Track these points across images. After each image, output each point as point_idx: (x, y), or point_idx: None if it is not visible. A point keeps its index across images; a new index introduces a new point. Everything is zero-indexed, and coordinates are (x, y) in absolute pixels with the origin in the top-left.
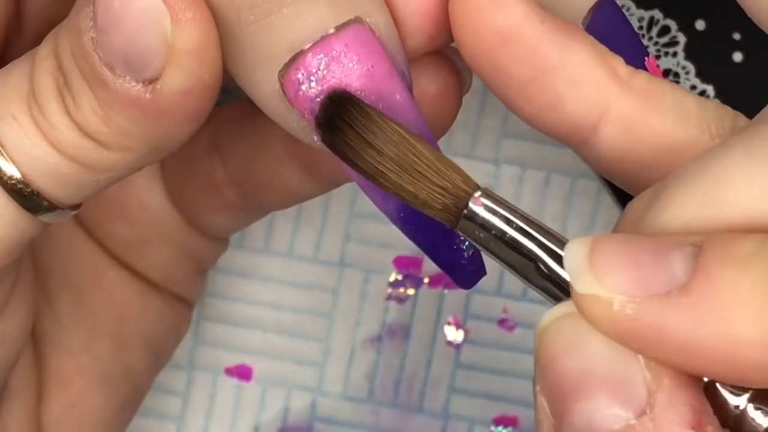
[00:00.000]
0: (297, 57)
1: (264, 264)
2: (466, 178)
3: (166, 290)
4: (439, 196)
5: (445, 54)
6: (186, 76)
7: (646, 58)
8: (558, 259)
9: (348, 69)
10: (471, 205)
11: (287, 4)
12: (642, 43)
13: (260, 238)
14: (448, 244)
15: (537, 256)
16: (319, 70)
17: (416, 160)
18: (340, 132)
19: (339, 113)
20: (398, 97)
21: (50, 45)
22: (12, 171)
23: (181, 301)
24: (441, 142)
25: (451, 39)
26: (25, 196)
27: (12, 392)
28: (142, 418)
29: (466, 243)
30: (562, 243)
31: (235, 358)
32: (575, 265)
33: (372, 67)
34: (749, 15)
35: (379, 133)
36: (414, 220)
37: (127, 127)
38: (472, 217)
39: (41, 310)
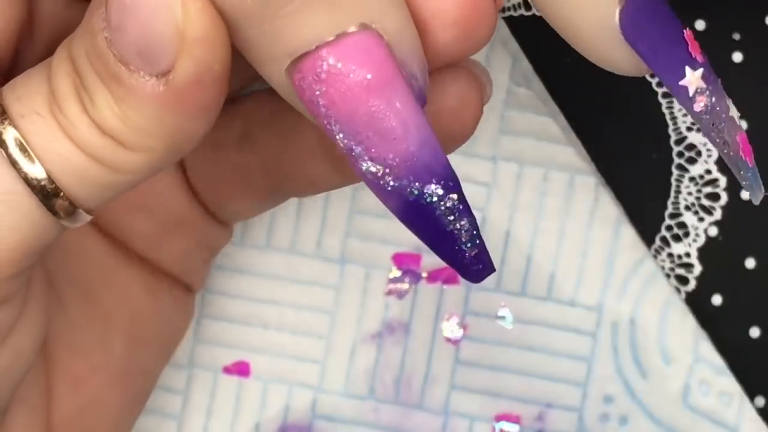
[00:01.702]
0: (296, 62)
1: (265, 260)
2: None
3: (178, 281)
4: None
5: (466, 66)
6: (196, 64)
7: (684, 31)
8: None
9: (344, 77)
10: None
11: (286, 11)
12: (677, 19)
13: (262, 234)
14: (450, 243)
15: None
16: (315, 76)
17: None
18: None
19: None
20: (398, 104)
21: (65, 50)
22: (37, 168)
23: (187, 292)
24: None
25: (484, 42)
26: (48, 194)
27: (17, 397)
28: (142, 416)
29: (468, 245)
30: None
31: (236, 355)
32: None
33: (370, 75)
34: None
35: None
36: (414, 221)
37: (144, 124)
38: None
39: (51, 312)
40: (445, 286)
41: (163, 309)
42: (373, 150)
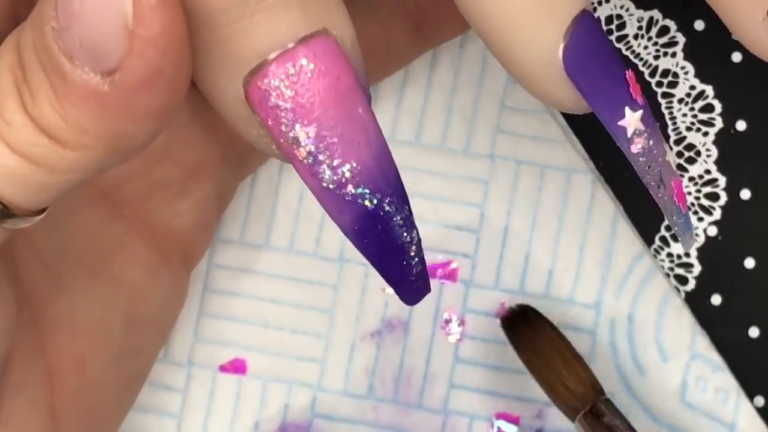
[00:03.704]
0: (264, 64)
1: (265, 259)
2: (589, 390)
3: (182, 249)
4: (567, 401)
5: None
6: (145, 66)
7: (626, 71)
8: None
9: (314, 80)
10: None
11: (260, 9)
12: (621, 55)
13: (261, 233)
14: (398, 259)
15: None
16: (286, 78)
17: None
18: (519, 331)
19: (525, 320)
20: (360, 110)
21: (13, 41)
22: None
23: (185, 268)
24: (437, 138)
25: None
26: None
27: (14, 387)
28: (141, 414)
29: (415, 259)
30: None
31: (235, 354)
32: None
33: (338, 79)
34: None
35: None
36: (366, 234)
37: (84, 123)
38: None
39: (51, 296)
40: (443, 284)
41: (161, 289)
42: (337, 155)
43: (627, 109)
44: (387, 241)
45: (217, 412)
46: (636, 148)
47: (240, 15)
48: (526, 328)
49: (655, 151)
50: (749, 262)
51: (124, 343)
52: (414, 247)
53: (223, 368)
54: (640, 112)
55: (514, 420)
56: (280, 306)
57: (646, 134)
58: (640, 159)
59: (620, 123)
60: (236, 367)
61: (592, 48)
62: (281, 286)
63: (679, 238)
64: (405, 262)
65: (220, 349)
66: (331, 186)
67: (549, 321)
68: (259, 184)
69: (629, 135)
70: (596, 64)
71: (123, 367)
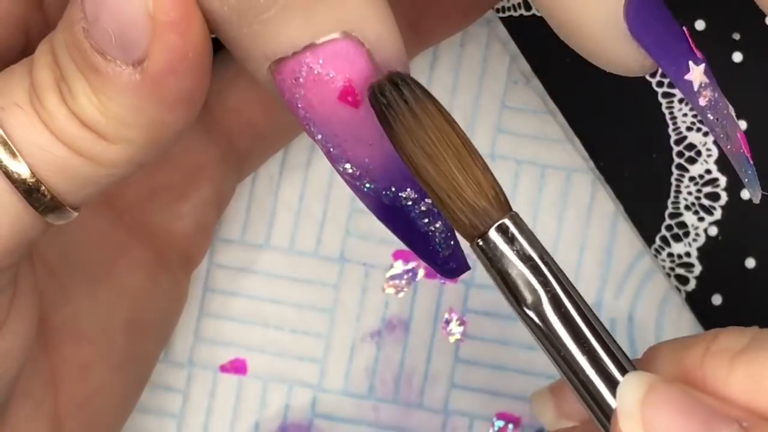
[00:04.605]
0: (276, 63)
1: (265, 259)
2: (499, 203)
3: (182, 252)
4: (463, 216)
5: None
6: (169, 51)
7: (683, 27)
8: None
9: (321, 83)
10: (489, 233)
11: (262, 18)
12: (675, 20)
13: (262, 233)
14: (425, 243)
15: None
16: (294, 80)
17: (456, 172)
18: (396, 116)
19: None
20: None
21: (47, 43)
22: (18, 162)
23: (186, 272)
24: None
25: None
26: (30, 188)
27: (21, 392)
28: (142, 415)
29: (443, 245)
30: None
31: (236, 354)
32: (626, 404)
33: (346, 84)
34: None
35: (430, 128)
36: (389, 221)
37: (122, 115)
38: (486, 245)
39: (55, 302)
40: (444, 284)
41: (162, 294)
42: (349, 153)
43: (691, 63)
44: (410, 228)
45: (218, 412)
46: (704, 101)
47: (240, 25)
48: (405, 110)
49: (720, 104)
50: (750, 262)
51: (126, 349)
52: (439, 236)
53: (223, 368)
54: (702, 65)
55: (514, 420)
56: (280, 306)
57: (710, 87)
58: (709, 111)
59: (686, 77)
60: (236, 367)
61: (652, 5)
62: (281, 286)
63: (749, 190)
64: (431, 248)
65: (220, 349)
66: (347, 178)
67: (435, 99)
68: (259, 184)
69: (696, 89)
70: (657, 21)
71: (125, 373)
